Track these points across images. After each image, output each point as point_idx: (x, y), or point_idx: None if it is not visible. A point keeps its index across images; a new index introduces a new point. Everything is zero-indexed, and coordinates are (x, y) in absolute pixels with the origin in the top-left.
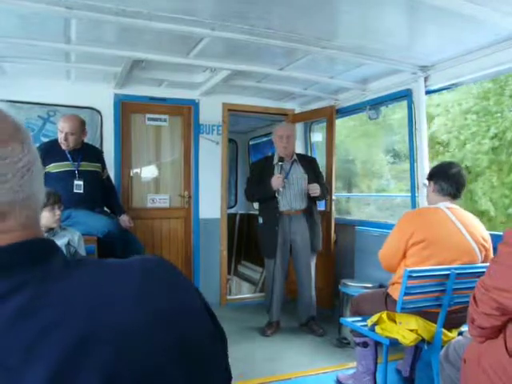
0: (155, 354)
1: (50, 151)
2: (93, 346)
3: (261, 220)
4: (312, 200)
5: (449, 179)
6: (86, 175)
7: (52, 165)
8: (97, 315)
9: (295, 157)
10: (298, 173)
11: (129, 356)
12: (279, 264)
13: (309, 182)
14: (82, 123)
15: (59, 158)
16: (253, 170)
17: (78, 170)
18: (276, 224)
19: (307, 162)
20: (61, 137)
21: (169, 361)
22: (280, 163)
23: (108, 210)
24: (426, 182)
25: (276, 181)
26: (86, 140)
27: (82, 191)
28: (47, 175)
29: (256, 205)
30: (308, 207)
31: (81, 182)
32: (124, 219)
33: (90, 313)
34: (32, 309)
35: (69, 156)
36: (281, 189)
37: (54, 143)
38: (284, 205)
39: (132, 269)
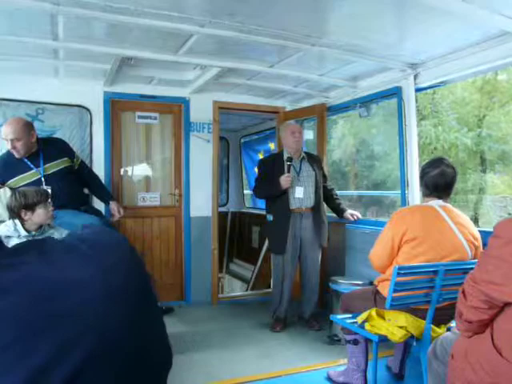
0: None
1: (9, 164)
2: (57, 323)
3: (270, 217)
4: (321, 197)
5: (429, 180)
6: (54, 178)
7: (16, 178)
8: (59, 297)
9: (303, 154)
10: (308, 171)
11: (99, 331)
12: (289, 260)
13: (317, 179)
14: (26, 125)
15: (21, 170)
16: (261, 168)
17: (44, 176)
18: (287, 221)
19: (313, 160)
20: (9, 145)
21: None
22: (288, 163)
23: (96, 208)
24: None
25: (285, 180)
26: (68, 139)
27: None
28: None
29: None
30: (316, 204)
31: (48, 189)
32: (113, 208)
33: (50, 296)
34: None
35: (29, 164)
36: (290, 188)
37: (10, 154)
38: (295, 202)
39: (80, 249)
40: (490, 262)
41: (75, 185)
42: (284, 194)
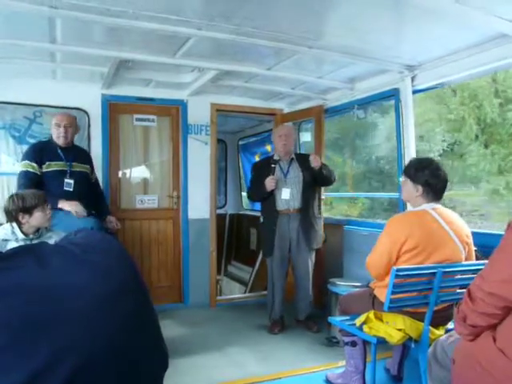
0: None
1: (46, 150)
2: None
3: (261, 219)
4: (309, 199)
5: (441, 183)
6: (77, 175)
7: (47, 163)
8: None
9: (293, 156)
10: (295, 172)
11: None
12: (278, 262)
13: (304, 180)
14: (75, 118)
15: (53, 157)
16: (252, 171)
17: (70, 170)
18: (274, 223)
19: (304, 160)
20: (59, 131)
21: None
22: (273, 165)
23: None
24: (403, 178)
25: (269, 182)
26: (74, 140)
27: (71, 189)
28: (42, 174)
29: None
30: (304, 206)
31: (71, 181)
32: (111, 220)
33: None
34: None
35: (62, 155)
36: (276, 190)
37: (48, 143)
38: (282, 204)
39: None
40: (505, 259)
41: (88, 189)
42: (271, 195)
